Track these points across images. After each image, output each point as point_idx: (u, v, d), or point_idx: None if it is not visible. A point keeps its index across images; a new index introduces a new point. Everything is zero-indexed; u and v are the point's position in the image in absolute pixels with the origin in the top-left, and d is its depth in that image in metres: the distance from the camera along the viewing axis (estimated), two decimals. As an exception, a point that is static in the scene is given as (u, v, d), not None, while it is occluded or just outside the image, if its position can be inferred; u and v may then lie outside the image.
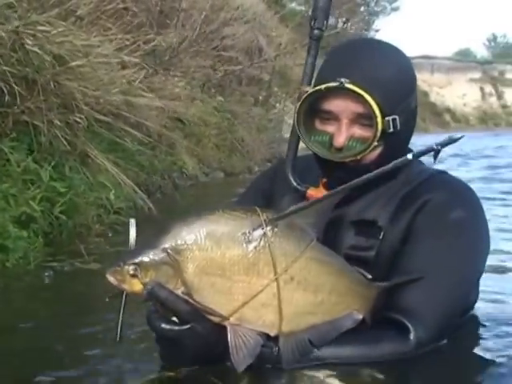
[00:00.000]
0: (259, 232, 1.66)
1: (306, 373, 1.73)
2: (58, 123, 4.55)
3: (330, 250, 1.81)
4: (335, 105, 1.90)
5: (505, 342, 2.06)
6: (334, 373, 1.73)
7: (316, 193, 2.00)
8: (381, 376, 1.74)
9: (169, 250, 1.65)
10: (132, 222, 1.79)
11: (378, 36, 31.52)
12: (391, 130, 1.88)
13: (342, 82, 1.85)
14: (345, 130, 1.90)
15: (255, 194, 2.28)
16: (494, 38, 66.43)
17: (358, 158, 1.90)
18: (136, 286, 1.65)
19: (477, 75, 53.54)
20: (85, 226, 4.57)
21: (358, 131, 1.91)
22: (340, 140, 1.90)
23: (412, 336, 1.78)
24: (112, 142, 5.84)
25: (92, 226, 4.61)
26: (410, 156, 1.69)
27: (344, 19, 29.02)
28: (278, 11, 18.51)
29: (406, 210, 1.94)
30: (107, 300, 1.78)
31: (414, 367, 1.82)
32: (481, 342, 2.08)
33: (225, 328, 1.66)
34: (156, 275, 1.64)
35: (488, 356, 1.94)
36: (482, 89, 53.14)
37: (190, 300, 1.63)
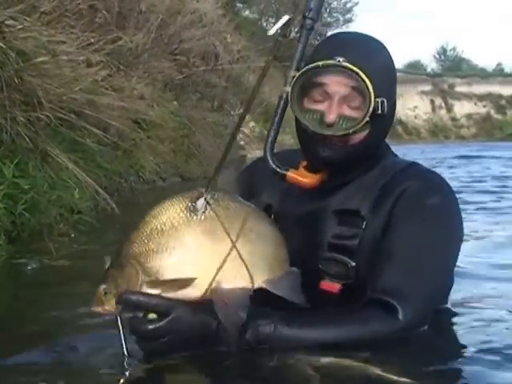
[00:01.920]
0: (201, 201, 1.71)
1: (300, 363, 1.73)
2: (22, 120, 4.45)
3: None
4: (330, 79, 1.94)
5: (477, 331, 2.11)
6: (327, 361, 1.74)
7: (296, 174, 2.01)
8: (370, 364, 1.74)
9: (126, 257, 1.69)
10: (106, 259, 1.78)
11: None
12: (379, 111, 1.93)
13: (339, 61, 1.91)
14: (335, 107, 1.93)
15: (236, 188, 2.28)
16: (444, 51, 67.48)
17: (350, 132, 1.93)
18: (111, 300, 1.68)
19: (427, 88, 54.33)
20: (47, 224, 4.48)
21: (348, 111, 1.94)
22: (331, 116, 1.92)
23: (400, 316, 1.80)
24: (73, 142, 5.76)
25: (54, 225, 4.52)
26: None
27: (297, 29, 29.13)
28: (232, 18, 18.55)
29: (385, 199, 1.98)
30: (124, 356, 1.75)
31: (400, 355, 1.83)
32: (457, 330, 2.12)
33: (205, 305, 1.67)
34: (123, 280, 1.67)
35: (466, 344, 1.98)
36: (432, 101, 53.93)
37: (161, 290, 1.66)
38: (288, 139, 11.25)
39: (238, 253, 1.70)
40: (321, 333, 1.78)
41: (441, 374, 1.79)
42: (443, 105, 53.93)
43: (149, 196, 7.98)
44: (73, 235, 4.52)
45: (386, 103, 1.94)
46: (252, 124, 18.73)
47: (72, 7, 6.11)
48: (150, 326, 1.64)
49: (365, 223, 1.97)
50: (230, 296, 1.67)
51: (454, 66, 64.27)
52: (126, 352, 1.70)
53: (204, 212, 1.70)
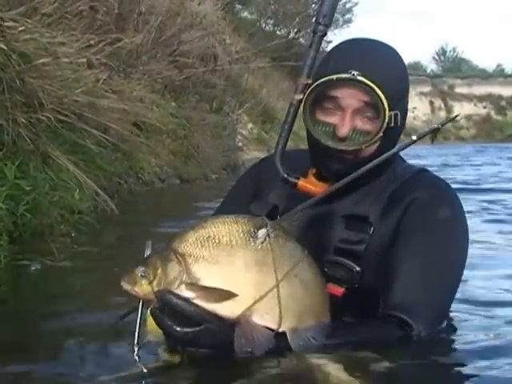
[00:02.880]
0: (263, 231, 1.71)
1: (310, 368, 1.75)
2: (23, 121, 4.48)
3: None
4: (343, 93, 1.93)
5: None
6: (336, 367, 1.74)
7: (308, 183, 2.02)
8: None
9: (174, 251, 1.70)
10: (148, 243, 1.80)
11: (330, 47, 31.70)
12: (392, 124, 1.93)
13: (353, 74, 1.89)
14: (349, 120, 1.93)
15: (240, 194, 2.30)
16: (444, 51, 67.35)
17: (363, 147, 1.93)
18: (146, 287, 1.67)
19: (426, 89, 54.31)
20: (48, 225, 4.51)
21: (360, 123, 1.94)
22: (344, 130, 1.93)
23: (414, 332, 1.83)
24: (73, 144, 5.78)
25: (55, 225, 4.55)
26: (414, 137, 1.82)
27: (296, 29, 29.14)
28: (231, 20, 18.54)
29: (394, 206, 2.00)
30: (117, 323, 1.83)
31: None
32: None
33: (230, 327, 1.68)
34: (164, 272, 1.67)
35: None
36: (431, 102, 53.94)
37: (197, 295, 1.66)
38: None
39: (278, 292, 1.70)
40: (337, 345, 1.78)
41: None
42: (443, 106, 53.88)
43: (148, 197, 8.00)
44: (73, 235, 4.55)
45: (399, 116, 1.94)
46: (250, 125, 18.72)
47: (72, 9, 6.14)
48: (179, 329, 1.64)
49: (372, 229, 1.99)
50: (255, 330, 1.68)
51: (453, 67, 64.09)
52: (136, 341, 1.71)
53: (262, 242, 1.72)
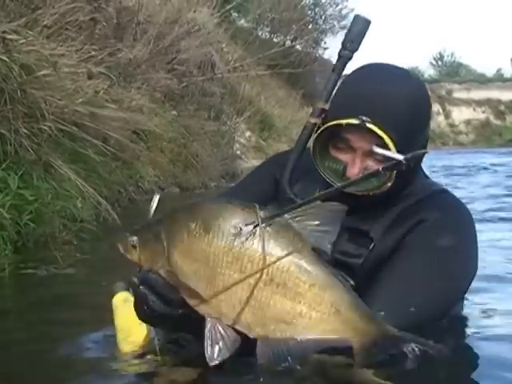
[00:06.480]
0: (249, 228, 1.62)
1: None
2: (25, 132, 4.54)
3: (325, 263, 1.66)
4: (353, 136, 1.90)
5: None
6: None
7: None
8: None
9: (163, 229, 1.69)
10: (156, 196, 1.85)
11: (327, 53, 31.67)
12: (404, 168, 1.82)
13: (363, 121, 1.85)
14: (359, 161, 1.89)
15: (262, 178, 2.25)
16: (441, 56, 67.29)
17: (370, 194, 1.91)
18: (134, 256, 1.72)
19: (424, 94, 54.22)
20: (51, 234, 4.56)
21: (372, 164, 1.90)
22: (353, 172, 1.89)
23: None
24: (74, 153, 5.84)
25: (58, 234, 4.60)
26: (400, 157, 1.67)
27: (292, 37, 29.15)
28: (228, 28, 18.58)
29: (400, 225, 1.96)
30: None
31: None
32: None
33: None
34: (150, 252, 1.69)
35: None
36: (428, 108, 53.84)
37: (174, 280, 1.66)
38: (284, 148, 11.30)
39: (250, 295, 1.62)
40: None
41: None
42: (441, 111, 53.78)
43: (148, 206, 8.01)
44: (75, 243, 4.60)
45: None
46: (248, 133, 18.75)
47: (72, 20, 6.20)
48: (157, 306, 1.65)
49: (372, 245, 1.95)
50: (223, 332, 1.63)
51: (451, 72, 64.01)
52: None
53: (247, 239, 1.62)
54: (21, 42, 4.53)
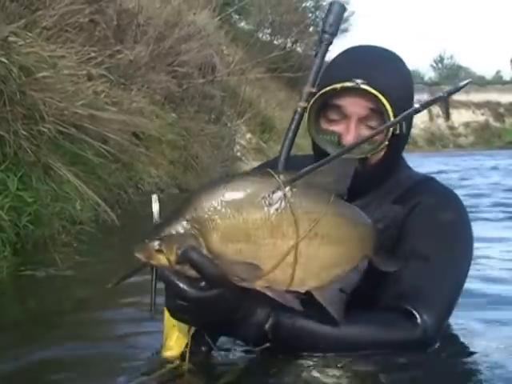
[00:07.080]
0: (278, 194, 1.66)
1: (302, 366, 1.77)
2: (24, 133, 4.53)
3: (345, 203, 1.79)
4: (348, 101, 1.95)
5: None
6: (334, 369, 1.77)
7: None
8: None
9: (190, 221, 1.66)
10: (154, 197, 1.81)
11: (327, 56, 31.66)
12: (397, 131, 1.95)
13: (357, 83, 1.91)
14: (354, 128, 1.95)
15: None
16: (441, 59, 67.43)
17: (369, 156, 1.96)
18: (162, 260, 1.66)
19: (424, 97, 54.14)
20: (50, 236, 4.55)
21: (365, 132, 1.95)
22: (349, 138, 1.94)
23: (419, 322, 1.80)
24: (74, 155, 5.82)
25: (57, 236, 4.59)
26: (417, 105, 1.77)
27: (293, 39, 29.21)
28: (228, 30, 18.59)
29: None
30: (109, 286, 1.81)
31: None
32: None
33: (248, 294, 1.68)
34: (178, 247, 1.64)
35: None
36: (429, 110, 53.99)
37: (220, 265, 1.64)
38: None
39: (295, 256, 1.68)
40: (339, 331, 1.75)
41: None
42: (441, 113, 53.84)
43: (147, 207, 8.00)
44: (75, 245, 4.59)
45: (404, 123, 1.95)
46: (249, 135, 18.74)
47: (72, 22, 6.19)
48: (190, 289, 1.62)
49: None
50: (278, 297, 1.68)
51: (451, 75, 64.13)
52: (152, 308, 1.75)
53: (280, 205, 1.66)
54: (20, 43, 4.52)
